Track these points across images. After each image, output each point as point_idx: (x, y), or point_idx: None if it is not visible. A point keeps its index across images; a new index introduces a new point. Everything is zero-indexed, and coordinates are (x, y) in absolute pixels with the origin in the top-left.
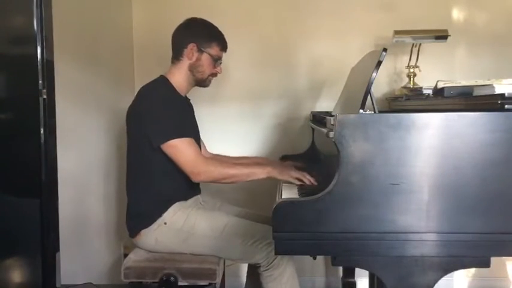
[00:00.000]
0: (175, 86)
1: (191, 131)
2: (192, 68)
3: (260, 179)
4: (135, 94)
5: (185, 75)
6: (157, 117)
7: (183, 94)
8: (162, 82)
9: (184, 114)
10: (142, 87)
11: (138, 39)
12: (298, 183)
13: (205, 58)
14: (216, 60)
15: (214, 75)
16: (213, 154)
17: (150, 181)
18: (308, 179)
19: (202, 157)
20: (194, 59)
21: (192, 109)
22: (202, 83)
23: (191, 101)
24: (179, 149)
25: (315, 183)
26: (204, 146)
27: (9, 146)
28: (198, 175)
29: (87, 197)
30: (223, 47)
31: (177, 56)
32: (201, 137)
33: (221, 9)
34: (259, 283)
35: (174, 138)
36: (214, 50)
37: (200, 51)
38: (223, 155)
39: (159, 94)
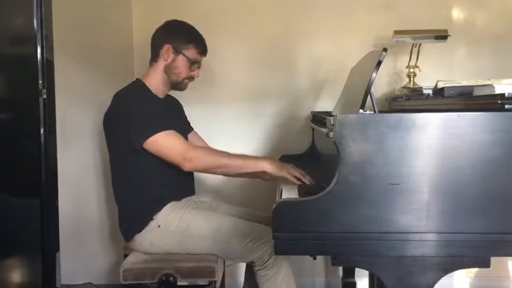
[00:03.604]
0: (151, 88)
1: (172, 126)
2: (167, 70)
3: (259, 180)
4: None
5: (161, 76)
6: (134, 117)
7: (160, 96)
8: (137, 85)
9: (164, 111)
10: (117, 92)
11: (138, 39)
12: (298, 182)
13: (181, 60)
14: (193, 63)
15: (191, 78)
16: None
17: (137, 185)
18: (308, 179)
19: (191, 144)
20: (170, 60)
21: (178, 108)
22: (178, 85)
23: (180, 100)
24: (162, 142)
25: (314, 183)
26: (202, 140)
27: (9, 146)
28: (190, 161)
29: (87, 197)
30: (202, 50)
31: (154, 57)
32: (201, 136)
33: (221, 9)
34: (256, 282)
35: (154, 134)
36: (190, 52)
37: (176, 52)
38: (224, 150)
39: (134, 95)
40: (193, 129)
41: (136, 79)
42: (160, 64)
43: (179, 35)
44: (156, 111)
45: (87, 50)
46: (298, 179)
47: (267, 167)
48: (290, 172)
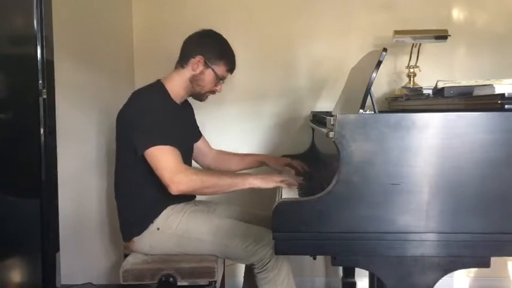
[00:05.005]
0: (170, 92)
1: (178, 139)
2: (193, 80)
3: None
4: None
5: (184, 84)
6: (142, 125)
7: (177, 101)
8: (157, 88)
9: (175, 121)
10: (136, 91)
11: (138, 39)
12: (287, 186)
13: (209, 74)
14: (219, 80)
15: (212, 92)
16: (217, 150)
17: (139, 188)
18: (291, 183)
19: (183, 166)
20: (198, 71)
21: (191, 113)
22: (198, 96)
23: (191, 103)
24: (158, 157)
25: (302, 182)
26: (207, 143)
27: (9, 146)
28: (178, 184)
29: (87, 197)
30: (231, 68)
31: (182, 63)
32: (208, 142)
33: (221, 9)
34: (255, 284)
35: (153, 146)
36: (220, 68)
37: (206, 65)
38: (227, 151)
39: (149, 101)
40: (202, 135)
41: (158, 80)
42: (187, 72)
43: (214, 49)
44: (166, 121)
45: (87, 50)
46: (289, 182)
47: (254, 182)
48: (276, 180)
